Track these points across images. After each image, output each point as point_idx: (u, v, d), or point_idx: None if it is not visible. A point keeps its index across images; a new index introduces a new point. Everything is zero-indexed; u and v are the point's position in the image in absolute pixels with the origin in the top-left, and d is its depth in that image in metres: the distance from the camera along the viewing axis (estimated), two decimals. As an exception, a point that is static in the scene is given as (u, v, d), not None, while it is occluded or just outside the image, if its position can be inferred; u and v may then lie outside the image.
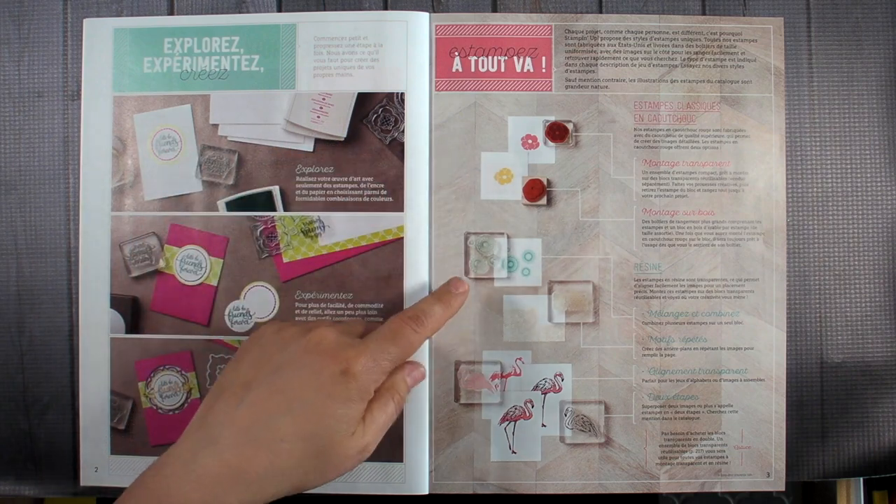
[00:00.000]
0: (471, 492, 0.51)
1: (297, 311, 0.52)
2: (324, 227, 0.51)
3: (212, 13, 0.53)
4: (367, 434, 0.42)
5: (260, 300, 0.52)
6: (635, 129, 0.52)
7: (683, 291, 0.52)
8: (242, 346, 0.46)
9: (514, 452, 0.51)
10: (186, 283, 0.52)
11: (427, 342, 0.51)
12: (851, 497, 0.57)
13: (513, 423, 0.52)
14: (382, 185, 0.51)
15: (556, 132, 0.52)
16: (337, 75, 0.52)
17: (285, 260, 0.52)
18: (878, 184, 0.53)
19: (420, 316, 0.46)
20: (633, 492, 0.51)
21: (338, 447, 0.41)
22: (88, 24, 0.52)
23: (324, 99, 0.51)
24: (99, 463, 0.52)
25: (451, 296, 0.49)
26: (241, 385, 0.42)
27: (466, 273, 0.51)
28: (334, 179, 0.52)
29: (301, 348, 0.43)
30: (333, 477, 0.42)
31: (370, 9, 0.53)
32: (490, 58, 0.52)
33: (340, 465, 0.41)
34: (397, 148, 0.51)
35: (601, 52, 0.52)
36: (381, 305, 0.51)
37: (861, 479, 0.56)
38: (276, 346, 0.44)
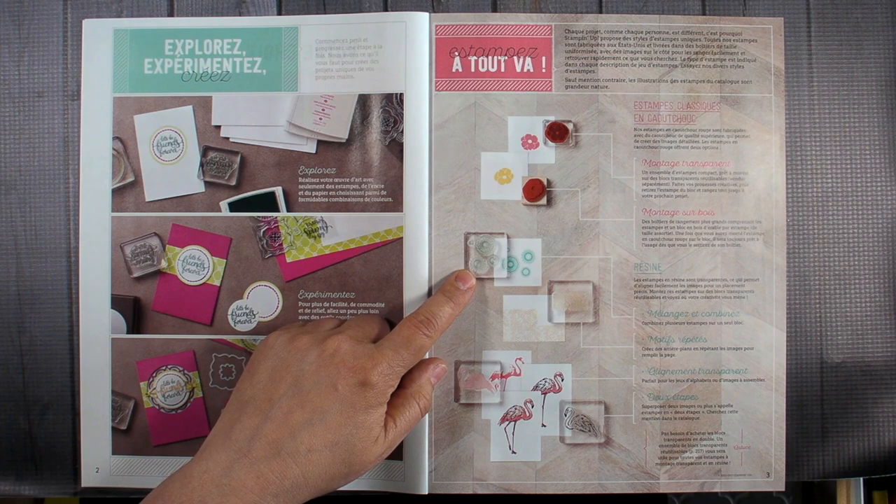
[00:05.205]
0: (471, 492, 0.51)
1: (300, 310, 0.52)
2: (326, 227, 0.51)
3: (211, 14, 0.53)
4: (389, 437, 0.44)
5: (263, 300, 0.52)
6: (635, 129, 0.52)
7: (683, 291, 0.52)
8: (255, 355, 0.47)
9: (513, 452, 0.51)
10: (189, 283, 0.52)
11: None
12: (851, 497, 0.57)
13: (513, 423, 0.52)
14: (382, 186, 0.51)
15: (556, 132, 0.52)
16: (338, 77, 0.52)
17: (289, 260, 0.52)
18: (878, 184, 0.53)
19: (430, 319, 0.47)
20: (632, 492, 0.51)
21: (362, 453, 0.43)
22: (88, 24, 0.52)
23: (325, 101, 0.51)
24: (100, 463, 0.52)
25: (459, 293, 0.49)
26: (263, 399, 0.43)
27: (467, 273, 0.52)
28: (336, 180, 0.52)
29: (318, 360, 0.44)
30: (355, 478, 0.44)
31: (370, 9, 0.53)
32: (490, 58, 0.52)
33: (363, 468, 0.43)
34: (396, 148, 0.51)
35: (601, 52, 0.52)
36: (383, 305, 0.51)
37: (861, 479, 0.56)
38: (291, 356, 0.45)
